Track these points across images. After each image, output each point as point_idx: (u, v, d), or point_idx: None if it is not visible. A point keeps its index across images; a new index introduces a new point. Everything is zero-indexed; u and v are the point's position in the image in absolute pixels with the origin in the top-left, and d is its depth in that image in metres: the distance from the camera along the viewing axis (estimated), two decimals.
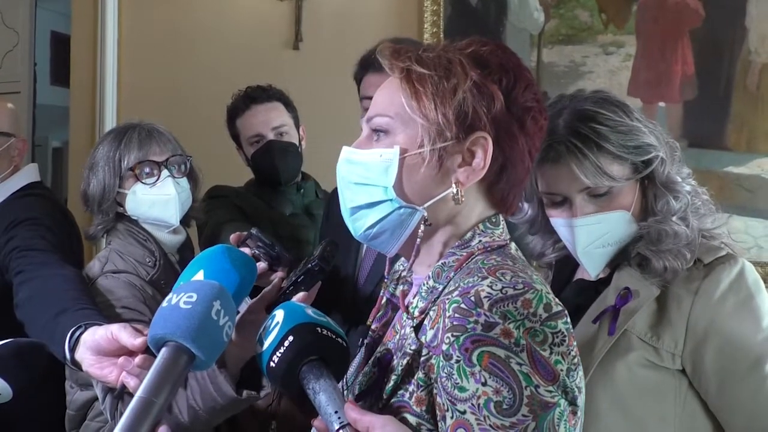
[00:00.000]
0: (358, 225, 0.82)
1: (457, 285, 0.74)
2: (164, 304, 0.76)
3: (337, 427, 0.71)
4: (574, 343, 0.72)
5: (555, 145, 1.05)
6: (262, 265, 1.28)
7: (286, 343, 0.75)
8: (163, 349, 0.74)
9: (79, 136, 2.66)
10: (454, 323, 0.70)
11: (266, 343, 0.77)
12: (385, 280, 0.90)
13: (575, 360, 0.71)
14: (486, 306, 0.69)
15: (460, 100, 0.77)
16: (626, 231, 1.08)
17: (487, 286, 0.70)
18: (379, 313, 0.91)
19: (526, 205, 1.16)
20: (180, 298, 0.75)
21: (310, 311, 0.79)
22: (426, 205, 0.79)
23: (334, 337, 0.77)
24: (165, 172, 1.40)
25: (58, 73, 4.21)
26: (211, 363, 0.78)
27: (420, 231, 0.79)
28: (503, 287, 0.70)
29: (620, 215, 1.07)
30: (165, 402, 0.71)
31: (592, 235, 1.07)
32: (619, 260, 1.11)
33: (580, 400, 0.72)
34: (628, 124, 1.05)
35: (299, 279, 1.09)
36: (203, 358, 0.74)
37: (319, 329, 0.77)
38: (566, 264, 1.20)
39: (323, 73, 2.37)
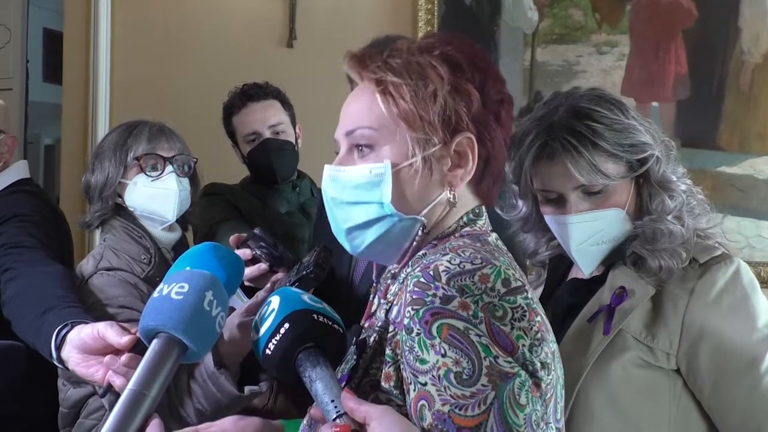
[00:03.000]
0: (356, 243, 0.82)
1: (421, 264, 0.75)
2: (155, 294, 0.75)
3: (333, 416, 0.69)
4: (537, 319, 0.72)
5: (550, 142, 1.05)
6: (262, 266, 1.27)
7: (282, 330, 0.74)
8: (155, 341, 0.72)
9: (71, 134, 2.63)
10: (414, 297, 0.70)
11: (262, 330, 0.75)
12: (374, 285, 0.89)
13: (539, 335, 0.71)
14: (444, 280, 0.70)
15: (441, 104, 0.77)
16: (620, 229, 1.08)
17: (447, 261, 0.71)
18: (371, 313, 0.90)
19: (520, 202, 1.16)
20: (171, 289, 0.73)
21: (306, 297, 0.78)
22: (424, 213, 0.79)
23: (330, 323, 0.76)
24: (169, 168, 1.40)
25: (50, 70, 4.17)
26: (204, 354, 0.76)
27: (417, 236, 0.80)
28: (461, 262, 0.71)
29: (614, 213, 1.06)
30: (157, 395, 0.69)
31: (586, 233, 1.06)
32: (613, 259, 1.10)
33: (545, 374, 0.71)
34: (623, 122, 1.05)
35: (293, 284, 1.08)
36: (195, 349, 0.73)
37: (315, 316, 0.75)
38: (560, 263, 1.20)
39: (317, 72, 2.35)
